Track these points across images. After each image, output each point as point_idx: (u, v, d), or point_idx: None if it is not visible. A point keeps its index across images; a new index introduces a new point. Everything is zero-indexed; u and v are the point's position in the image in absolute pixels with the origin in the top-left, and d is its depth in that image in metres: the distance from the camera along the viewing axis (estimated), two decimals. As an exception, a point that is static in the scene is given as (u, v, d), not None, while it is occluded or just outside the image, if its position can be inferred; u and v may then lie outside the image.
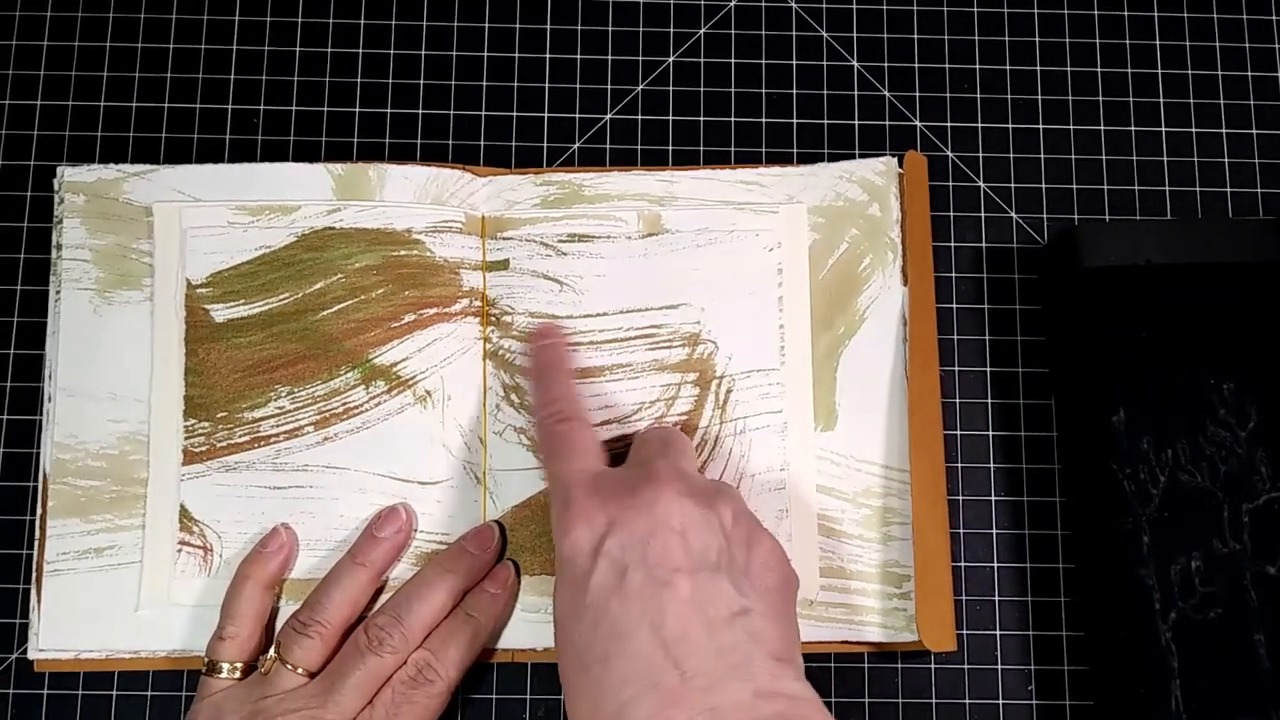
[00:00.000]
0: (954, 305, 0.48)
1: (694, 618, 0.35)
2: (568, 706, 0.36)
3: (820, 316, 0.46)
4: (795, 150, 0.49)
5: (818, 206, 0.47)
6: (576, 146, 0.49)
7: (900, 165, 0.47)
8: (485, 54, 0.50)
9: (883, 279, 0.46)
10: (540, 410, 0.43)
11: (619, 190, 0.47)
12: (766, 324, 0.46)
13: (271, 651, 0.41)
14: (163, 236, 0.46)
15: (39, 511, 0.44)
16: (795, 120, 0.49)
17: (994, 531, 0.46)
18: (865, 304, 0.46)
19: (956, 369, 0.47)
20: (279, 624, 0.43)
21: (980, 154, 0.49)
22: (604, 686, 0.34)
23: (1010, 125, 0.49)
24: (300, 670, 0.40)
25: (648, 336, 0.46)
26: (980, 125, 0.49)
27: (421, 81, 0.49)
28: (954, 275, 0.48)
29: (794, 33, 0.50)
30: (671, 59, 0.50)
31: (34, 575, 0.44)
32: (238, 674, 0.41)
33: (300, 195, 0.46)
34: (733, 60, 0.50)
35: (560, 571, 0.37)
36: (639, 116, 0.49)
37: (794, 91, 0.49)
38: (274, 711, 0.39)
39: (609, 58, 0.50)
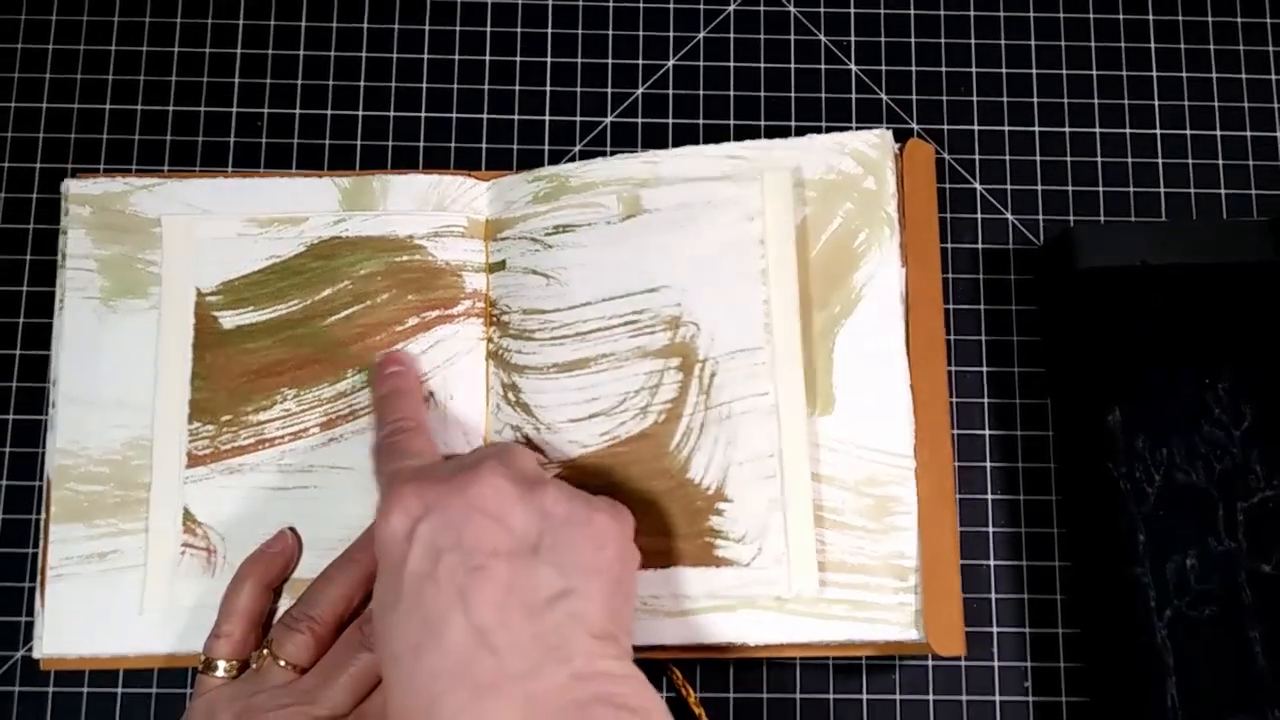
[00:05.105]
0: (951, 305, 0.48)
1: (510, 603, 0.34)
2: (386, 702, 0.35)
3: (814, 294, 0.45)
4: (794, 153, 0.49)
5: (810, 180, 0.45)
6: (577, 149, 0.49)
7: (898, 146, 0.46)
8: (487, 57, 0.50)
9: (880, 255, 0.45)
10: (381, 430, 0.42)
11: (604, 176, 0.46)
12: (749, 300, 0.45)
13: (264, 649, 0.41)
14: (171, 247, 0.46)
15: (43, 517, 0.45)
16: (794, 123, 0.50)
17: (990, 529, 0.46)
18: (861, 281, 0.45)
19: (953, 369, 0.48)
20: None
21: (976, 156, 0.49)
22: (414, 681, 0.33)
23: (1006, 127, 0.50)
24: (292, 666, 0.40)
25: (630, 323, 0.45)
26: (976, 128, 0.50)
27: (424, 85, 0.50)
28: (950, 276, 0.48)
29: (792, 37, 0.50)
30: (671, 63, 0.50)
31: (38, 579, 0.44)
32: (233, 672, 0.41)
33: (307, 208, 0.47)
34: (732, 64, 0.50)
35: (379, 561, 0.37)
36: (639, 120, 0.50)
37: (792, 95, 0.50)
38: (265, 707, 0.39)
39: (609, 61, 0.50)
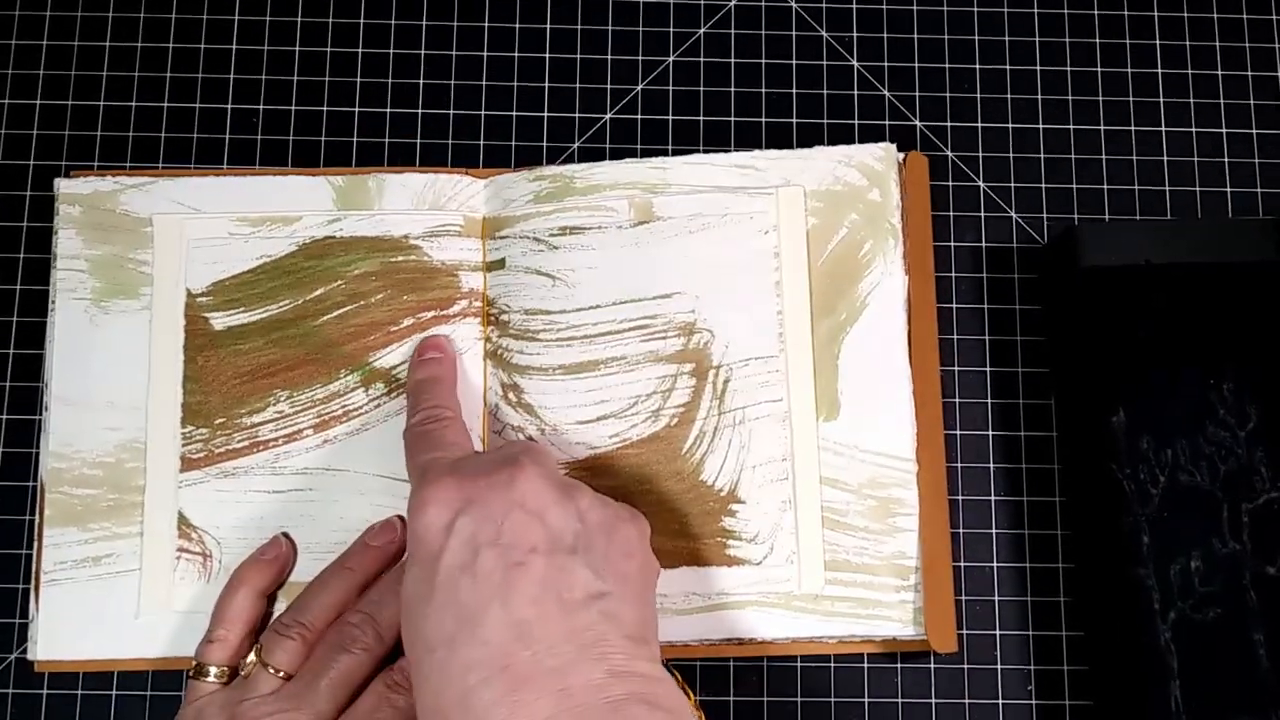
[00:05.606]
0: (954, 305, 0.48)
1: (547, 598, 0.34)
2: (415, 695, 0.35)
3: (821, 302, 0.46)
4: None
5: (816, 190, 0.46)
6: (576, 146, 0.49)
7: (901, 157, 0.47)
8: (485, 53, 0.50)
9: (884, 265, 0.46)
10: (413, 417, 0.42)
11: (610, 180, 0.46)
12: (764, 310, 0.46)
13: (252, 655, 0.40)
14: (163, 247, 0.46)
15: (37, 519, 0.44)
16: (795, 120, 0.49)
17: (994, 531, 0.46)
18: (866, 290, 0.46)
19: (956, 369, 0.47)
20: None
21: (980, 153, 0.49)
22: (448, 673, 0.33)
23: (1010, 125, 0.49)
24: (280, 673, 0.40)
25: (642, 327, 0.46)
26: (980, 125, 0.49)
27: (421, 81, 0.49)
28: (954, 275, 0.48)
29: (794, 32, 0.50)
30: (671, 58, 0.50)
31: (32, 583, 0.44)
32: (225, 678, 0.41)
33: (301, 207, 0.46)
34: (732, 60, 0.50)
35: (411, 552, 0.37)
36: (638, 116, 0.49)
37: (794, 91, 0.49)
38: (251, 715, 0.38)
39: (609, 57, 0.50)
